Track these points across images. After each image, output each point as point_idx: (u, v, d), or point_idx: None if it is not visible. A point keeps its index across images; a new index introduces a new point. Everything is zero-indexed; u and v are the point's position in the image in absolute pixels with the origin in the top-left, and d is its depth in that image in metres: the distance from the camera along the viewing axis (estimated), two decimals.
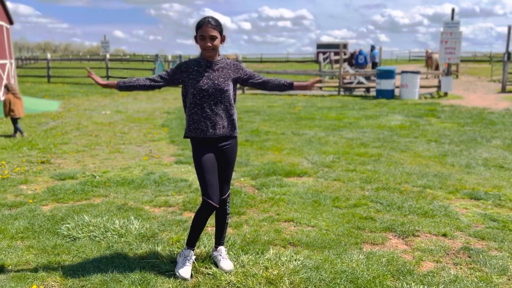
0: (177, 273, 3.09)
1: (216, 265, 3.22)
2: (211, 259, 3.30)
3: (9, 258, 3.37)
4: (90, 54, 74.88)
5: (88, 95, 16.18)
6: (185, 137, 3.14)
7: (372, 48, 23.23)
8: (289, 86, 3.15)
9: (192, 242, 3.18)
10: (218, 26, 2.99)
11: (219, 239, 3.32)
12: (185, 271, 3.10)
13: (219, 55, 3.11)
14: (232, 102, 3.12)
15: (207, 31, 2.94)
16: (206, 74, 3.03)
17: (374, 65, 22.37)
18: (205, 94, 3.01)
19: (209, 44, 2.97)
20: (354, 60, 22.27)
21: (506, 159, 6.45)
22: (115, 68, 25.12)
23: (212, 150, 3.08)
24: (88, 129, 9.19)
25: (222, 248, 3.31)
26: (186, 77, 3.07)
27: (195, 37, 3.04)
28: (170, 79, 3.12)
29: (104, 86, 3.13)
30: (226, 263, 3.21)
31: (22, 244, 3.65)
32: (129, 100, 14.68)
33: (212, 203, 3.00)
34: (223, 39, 3.06)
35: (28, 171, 5.93)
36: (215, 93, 3.01)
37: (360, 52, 21.85)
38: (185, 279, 3.06)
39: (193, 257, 3.20)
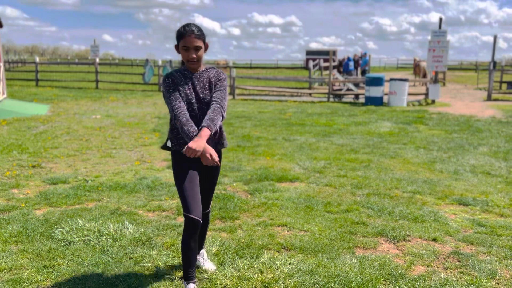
0: None
1: (200, 268, 3.28)
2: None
3: (3, 262, 3.36)
4: (79, 58, 74.41)
5: (77, 99, 16.10)
6: (167, 149, 2.90)
7: (364, 55, 23.54)
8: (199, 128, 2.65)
9: (188, 273, 2.87)
10: (202, 35, 2.74)
11: (201, 245, 3.30)
12: None
13: (203, 64, 2.92)
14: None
15: (191, 42, 2.69)
16: (192, 87, 2.80)
17: (363, 72, 22.64)
18: (193, 108, 2.78)
19: (194, 56, 2.73)
20: (344, 67, 22.52)
21: (492, 166, 6.59)
22: (104, 72, 25.02)
23: (195, 162, 2.82)
24: (79, 133, 9.16)
25: (203, 252, 3.35)
26: (177, 85, 2.83)
27: (176, 46, 2.79)
28: (180, 89, 2.78)
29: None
30: (209, 264, 3.32)
31: (16, 248, 3.64)
32: (120, 105, 14.63)
33: (195, 217, 2.71)
34: (206, 47, 2.81)
35: (19, 175, 5.90)
36: (202, 107, 2.80)
37: (349, 59, 22.11)
38: None
39: None
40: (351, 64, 21.65)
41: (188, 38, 2.69)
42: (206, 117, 2.66)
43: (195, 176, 2.81)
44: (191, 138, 2.60)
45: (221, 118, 2.71)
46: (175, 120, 2.68)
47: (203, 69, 2.88)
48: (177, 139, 2.82)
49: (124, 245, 3.68)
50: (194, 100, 2.79)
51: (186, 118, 2.67)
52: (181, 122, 2.65)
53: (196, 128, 2.65)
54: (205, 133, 2.59)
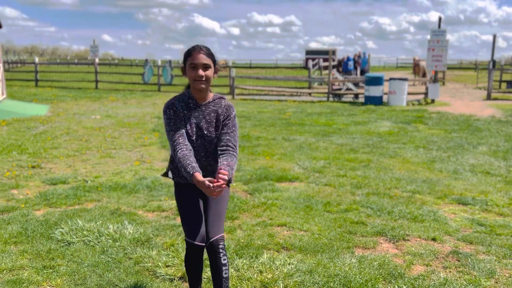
0: None
1: None
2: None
3: (3, 263, 3.36)
4: (78, 58, 74.39)
5: (77, 99, 16.10)
6: (169, 177, 2.69)
7: (363, 54, 23.55)
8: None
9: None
10: (211, 54, 2.51)
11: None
12: None
13: (211, 91, 2.60)
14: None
15: (199, 58, 2.44)
16: (195, 121, 2.53)
17: (362, 72, 22.65)
18: (194, 145, 2.52)
19: (201, 74, 2.43)
20: (343, 67, 22.53)
21: (492, 165, 6.60)
22: (104, 72, 25.02)
23: (199, 193, 2.59)
24: (78, 133, 9.16)
25: None
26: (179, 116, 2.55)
27: (183, 68, 2.53)
28: (182, 123, 2.53)
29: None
30: None
31: (16, 248, 3.64)
32: (119, 105, 14.64)
33: (195, 242, 2.45)
34: (216, 71, 2.54)
35: (19, 175, 5.91)
36: (204, 144, 2.54)
37: (348, 59, 22.12)
38: None
39: None
40: (351, 63, 21.65)
41: (196, 54, 2.45)
42: (225, 163, 2.41)
43: (197, 202, 2.58)
44: (188, 173, 2.35)
45: (236, 164, 2.52)
46: (175, 156, 2.46)
47: (211, 99, 2.57)
48: (178, 170, 2.60)
49: (124, 246, 3.68)
50: (195, 137, 2.53)
51: (183, 154, 2.41)
52: (179, 158, 2.41)
53: (192, 162, 2.38)
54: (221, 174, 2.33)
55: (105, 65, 42.53)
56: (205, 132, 2.53)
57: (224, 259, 2.49)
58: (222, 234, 2.52)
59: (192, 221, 2.50)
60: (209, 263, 2.61)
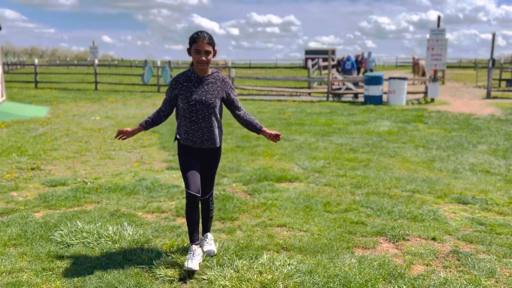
0: (185, 267, 3.21)
1: (202, 248, 3.53)
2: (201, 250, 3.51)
3: (2, 265, 3.36)
4: (78, 59, 74.39)
5: (76, 101, 16.10)
6: (176, 140, 3.41)
7: (369, 54, 23.50)
8: (258, 130, 3.42)
9: (191, 237, 3.38)
10: (212, 42, 3.19)
11: (206, 228, 3.65)
12: (191, 263, 3.23)
13: (210, 67, 3.32)
14: (218, 116, 3.33)
15: (202, 46, 3.13)
16: (195, 90, 3.23)
17: (365, 72, 22.62)
18: (194, 109, 3.22)
19: (204, 58, 3.15)
20: (342, 66, 22.49)
21: (492, 164, 6.59)
22: (103, 73, 25.02)
23: (197, 154, 3.36)
24: (78, 135, 9.16)
25: (208, 234, 3.64)
26: (177, 91, 3.27)
27: (188, 50, 3.22)
28: (171, 100, 3.32)
29: (133, 133, 3.33)
30: (208, 247, 3.54)
31: (15, 251, 3.64)
32: (119, 106, 14.64)
33: (193, 193, 3.23)
34: (215, 53, 3.25)
35: (18, 177, 5.90)
36: (203, 108, 3.22)
37: (348, 58, 22.08)
38: (193, 271, 3.20)
39: (199, 250, 3.37)
40: (348, 63, 21.61)
41: (200, 42, 3.13)
42: (254, 120, 3.43)
43: (196, 162, 3.33)
44: (141, 124, 3.34)
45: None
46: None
47: (210, 73, 3.30)
48: (181, 134, 3.31)
49: (123, 247, 3.68)
50: (194, 102, 3.21)
51: (153, 114, 3.39)
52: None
53: (145, 118, 3.35)
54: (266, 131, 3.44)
55: (104, 66, 42.54)
56: (204, 98, 3.22)
57: (212, 206, 3.59)
58: (212, 190, 3.55)
59: (192, 178, 3.26)
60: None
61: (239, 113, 3.41)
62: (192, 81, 3.25)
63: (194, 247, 3.35)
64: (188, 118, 3.25)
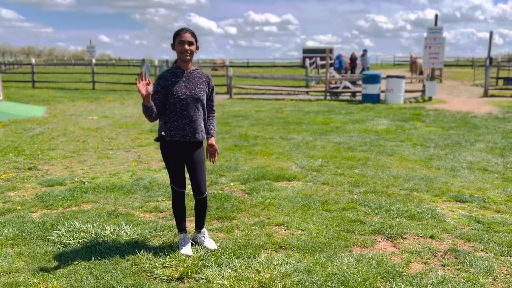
0: (180, 254, 3.47)
1: (201, 246, 3.63)
2: (195, 241, 3.69)
3: None
4: (75, 58, 74.20)
5: (74, 100, 16.06)
6: (160, 140, 3.42)
7: (364, 52, 23.44)
8: (210, 135, 3.54)
9: (180, 227, 3.63)
10: (195, 35, 3.36)
11: (201, 225, 3.70)
12: (185, 249, 3.51)
13: (193, 64, 3.46)
14: (205, 110, 3.47)
15: (185, 37, 3.29)
16: (183, 84, 3.34)
17: (362, 70, 22.57)
18: (184, 103, 3.32)
19: (187, 47, 3.28)
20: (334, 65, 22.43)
21: (489, 162, 6.60)
22: (101, 73, 24.96)
23: (182, 151, 3.44)
24: (75, 134, 9.13)
25: (204, 230, 3.72)
26: (165, 89, 3.35)
27: (173, 45, 3.36)
28: (161, 94, 3.33)
29: (148, 95, 3.13)
30: (209, 243, 3.63)
31: (12, 251, 3.62)
32: (116, 105, 14.61)
33: (176, 189, 3.49)
34: (197, 48, 3.39)
35: (15, 177, 5.88)
36: (192, 102, 3.35)
37: (337, 57, 22.07)
38: (187, 256, 3.44)
39: (188, 237, 3.64)
40: (337, 62, 21.58)
41: (184, 34, 3.30)
42: (212, 128, 3.55)
43: (181, 162, 3.48)
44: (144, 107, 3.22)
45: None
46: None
47: (193, 68, 3.44)
48: (171, 130, 3.36)
49: (121, 247, 3.67)
50: (184, 96, 3.32)
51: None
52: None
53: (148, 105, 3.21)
54: (212, 141, 3.55)
55: (102, 65, 42.46)
56: (193, 92, 3.35)
57: (206, 204, 3.61)
58: (206, 191, 3.58)
59: (176, 175, 3.46)
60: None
61: (209, 115, 3.54)
62: (179, 76, 3.36)
63: (184, 235, 3.63)
64: (180, 112, 3.32)
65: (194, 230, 3.78)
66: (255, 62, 64.09)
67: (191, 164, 3.48)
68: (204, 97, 3.42)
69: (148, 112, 3.22)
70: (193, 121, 3.36)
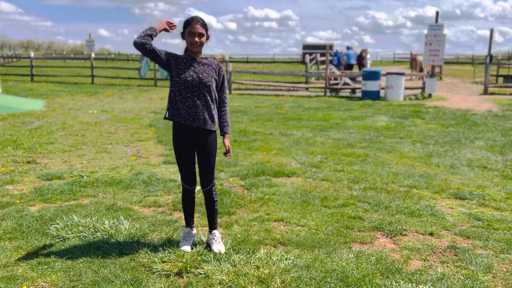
0: (179, 249, 3.46)
1: (210, 248, 3.51)
2: (207, 245, 3.57)
3: None
4: (74, 52, 73.96)
5: (73, 95, 16.01)
6: (166, 118, 3.38)
7: (347, 48, 23.26)
8: (223, 132, 3.51)
9: (187, 221, 3.63)
10: (206, 25, 3.28)
11: (212, 224, 3.59)
12: (185, 246, 3.50)
13: (202, 54, 3.40)
14: (213, 98, 3.35)
15: (196, 28, 3.21)
16: (191, 68, 3.28)
17: (349, 67, 22.35)
18: (189, 86, 3.24)
19: (197, 40, 3.22)
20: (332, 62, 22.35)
21: (489, 160, 6.60)
22: (100, 67, 24.88)
23: (191, 139, 3.35)
24: (74, 128, 9.10)
25: (215, 232, 3.58)
26: (174, 65, 3.27)
27: (182, 34, 3.29)
28: (159, 53, 3.21)
29: (164, 25, 3.27)
30: (217, 246, 3.49)
31: (10, 244, 3.61)
32: (115, 100, 14.57)
33: (186, 186, 3.49)
34: (208, 38, 3.33)
35: (14, 171, 5.86)
36: (198, 86, 3.26)
37: (335, 54, 22.01)
38: (186, 252, 3.41)
39: (193, 233, 3.64)
40: (335, 59, 21.50)
41: (194, 25, 3.21)
42: (226, 124, 3.49)
43: (191, 153, 3.41)
44: (151, 28, 3.21)
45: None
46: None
47: (203, 56, 3.38)
48: (174, 110, 3.29)
49: (120, 241, 3.65)
50: (190, 78, 3.24)
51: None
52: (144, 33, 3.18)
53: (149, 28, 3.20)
54: (226, 138, 3.53)
55: (101, 59, 42.31)
56: (200, 76, 3.26)
57: (215, 198, 3.55)
58: (213, 181, 3.51)
59: (186, 170, 3.43)
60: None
61: (221, 107, 3.45)
62: (189, 61, 3.30)
63: (189, 229, 3.62)
64: (183, 94, 3.25)
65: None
66: (255, 57, 63.95)
67: (199, 154, 3.41)
68: (212, 84, 3.31)
69: (149, 31, 3.16)
70: (196, 105, 3.26)
